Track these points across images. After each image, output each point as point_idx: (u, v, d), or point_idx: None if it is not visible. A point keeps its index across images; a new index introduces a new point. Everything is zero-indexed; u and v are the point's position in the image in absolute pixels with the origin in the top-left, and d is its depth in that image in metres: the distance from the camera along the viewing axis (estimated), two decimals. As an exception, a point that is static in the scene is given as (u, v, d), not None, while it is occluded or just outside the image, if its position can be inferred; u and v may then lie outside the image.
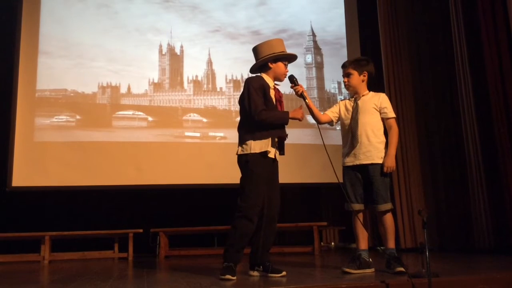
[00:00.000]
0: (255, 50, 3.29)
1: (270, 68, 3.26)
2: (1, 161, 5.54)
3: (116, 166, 5.75)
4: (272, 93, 3.22)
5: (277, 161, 3.26)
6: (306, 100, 3.27)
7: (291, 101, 6.24)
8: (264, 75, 3.28)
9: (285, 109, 3.30)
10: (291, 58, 3.34)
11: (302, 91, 3.27)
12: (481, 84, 4.77)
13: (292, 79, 3.31)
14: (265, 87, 3.18)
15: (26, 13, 5.85)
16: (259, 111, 3.08)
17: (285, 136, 3.22)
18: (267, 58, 3.23)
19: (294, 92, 3.30)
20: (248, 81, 3.20)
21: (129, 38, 6.12)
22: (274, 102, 3.20)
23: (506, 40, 4.60)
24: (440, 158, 5.44)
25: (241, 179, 3.13)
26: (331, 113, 3.43)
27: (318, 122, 3.38)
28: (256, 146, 3.09)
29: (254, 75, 3.34)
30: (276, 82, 3.30)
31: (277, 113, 3.16)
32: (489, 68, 4.68)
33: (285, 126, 3.22)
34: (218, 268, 3.13)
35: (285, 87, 3.43)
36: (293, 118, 3.17)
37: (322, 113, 3.43)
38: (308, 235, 5.55)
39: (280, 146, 3.26)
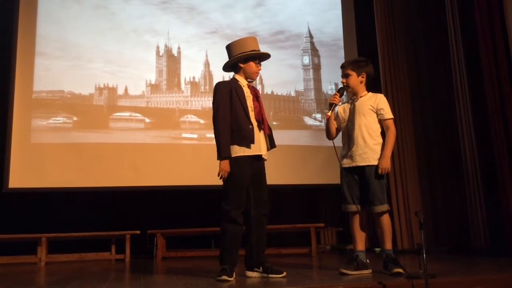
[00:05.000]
0: (228, 48, 3.28)
1: (240, 68, 3.25)
2: (-2, 163, 5.53)
3: (113, 167, 5.73)
4: (247, 91, 3.22)
5: (264, 160, 3.23)
6: (330, 113, 3.28)
7: (285, 102, 6.24)
8: (237, 76, 3.28)
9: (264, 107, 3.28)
10: (263, 56, 3.30)
11: (335, 105, 3.28)
12: (478, 86, 4.79)
13: (341, 92, 3.32)
14: (236, 89, 3.17)
15: (22, 14, 5.82)
16: (214, 115, 3.14)
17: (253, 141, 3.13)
18: (237, 58, 3.21)
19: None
20: (215, 87, 3.21)
21: (126, 39, 6.11)
22: (251, 100, 3.20)
23: (503, 42, 4.62)
24: (437, 160, 5.45)
25: (223, 181, 3.13)
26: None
27: (330, 137, 3.40)
28: (233, 149, 3.11)
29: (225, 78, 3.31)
30: (249, 80, 3.28)
31: (225, 136, 3.12)
32: (485, 70, 4.70)
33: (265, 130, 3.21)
34: (215, 270, 3.13)
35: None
36: (223, 159, 3.11)
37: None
38: (306, 236, 5.55)
39: (270, 141, 3.25)
